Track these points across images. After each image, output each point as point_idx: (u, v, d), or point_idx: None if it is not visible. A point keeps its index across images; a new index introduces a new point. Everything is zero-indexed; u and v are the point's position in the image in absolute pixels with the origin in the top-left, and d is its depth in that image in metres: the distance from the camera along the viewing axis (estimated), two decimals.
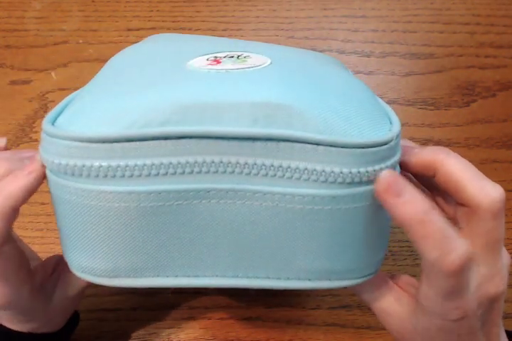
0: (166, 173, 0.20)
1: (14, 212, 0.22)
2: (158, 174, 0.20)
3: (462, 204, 0.23)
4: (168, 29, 0.47)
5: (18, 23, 0.48)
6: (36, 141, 0.42)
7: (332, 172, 0.20)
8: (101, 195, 0.20)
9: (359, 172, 0.20)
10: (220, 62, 0.23)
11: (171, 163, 0.20)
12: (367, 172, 0.20)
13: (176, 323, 0.36)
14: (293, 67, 0.24)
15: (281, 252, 0.22)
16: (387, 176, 0.21)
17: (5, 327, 0.27)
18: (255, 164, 0.20)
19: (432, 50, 0.46)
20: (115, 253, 0.22)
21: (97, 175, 0.20)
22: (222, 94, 0.20)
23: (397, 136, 0.21)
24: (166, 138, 0.20)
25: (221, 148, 0.20)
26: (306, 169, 0.20)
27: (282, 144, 0.20)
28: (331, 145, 0.20)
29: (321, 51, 0.45)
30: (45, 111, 0.44)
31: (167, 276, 0.23)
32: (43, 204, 0.39)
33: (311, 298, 0.36)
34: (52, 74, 0.45)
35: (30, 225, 0.39)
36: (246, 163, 0.20)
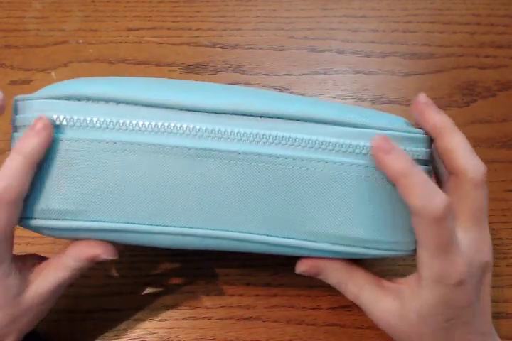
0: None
1: (35, 168, 0.26)
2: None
3: (452, 173, 0.26)
4: (169, 29, 0.47)
5: (18, 23, 0.48)
6: None
7: None
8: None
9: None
10: None
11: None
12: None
13: (176, 323, 0.36)
14: None
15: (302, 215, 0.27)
16: (379, 137, 0.25)
17: None
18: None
19: (432, 50, 0.46)
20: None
21: None
22: None
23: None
24: None
25: None
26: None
27: None
28: None
29: (321, 51, 0.45)
30: None
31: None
32: None
33: (311, 298, 0.36)
34: (53, 74, 0.45)
35: None
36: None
